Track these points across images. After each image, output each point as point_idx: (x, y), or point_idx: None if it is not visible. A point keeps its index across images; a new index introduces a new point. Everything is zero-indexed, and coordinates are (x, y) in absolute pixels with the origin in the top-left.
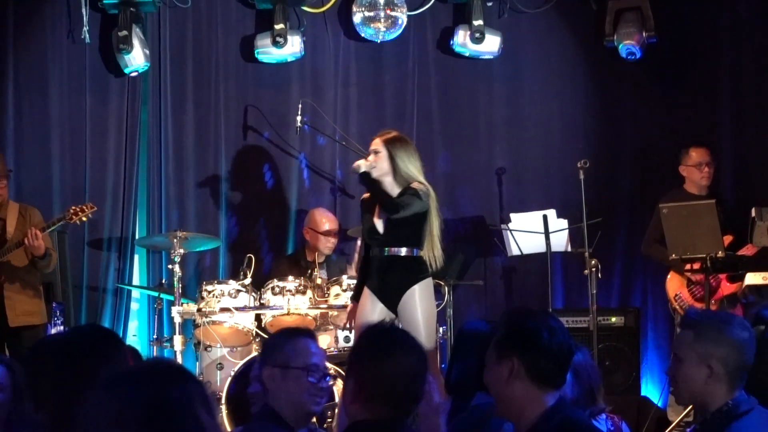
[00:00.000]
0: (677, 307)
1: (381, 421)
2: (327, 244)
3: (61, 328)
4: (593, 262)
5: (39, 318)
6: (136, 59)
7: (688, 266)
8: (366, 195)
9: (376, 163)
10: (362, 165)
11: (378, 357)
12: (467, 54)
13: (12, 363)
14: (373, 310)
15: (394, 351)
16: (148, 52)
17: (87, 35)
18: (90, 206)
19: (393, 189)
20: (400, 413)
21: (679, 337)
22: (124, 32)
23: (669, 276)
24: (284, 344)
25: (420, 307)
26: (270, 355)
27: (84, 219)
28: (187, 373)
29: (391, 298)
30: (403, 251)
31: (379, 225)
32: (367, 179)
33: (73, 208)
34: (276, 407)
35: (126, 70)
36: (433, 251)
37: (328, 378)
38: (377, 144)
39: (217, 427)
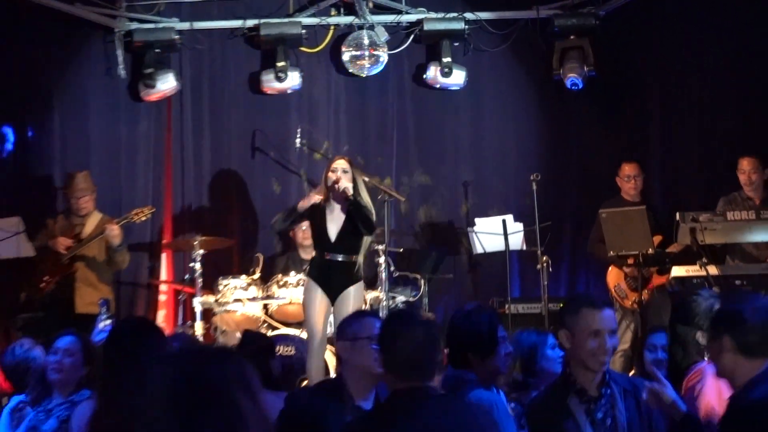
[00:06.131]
0: (616, 296)
1: (410, 388)
2: (303, 238)
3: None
4: (544, 258)
5: None
6: (162, 91)
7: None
8: (317, 201)
9: (349, 182)
10: (349, 189)
11: (390, 334)
12: (438, 86)
13: (80, 332)
14: (317, 296)
15: (402, 328)
16: (172, 84)
17: (123, 72)
18: (150, 207)
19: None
20: (424, 379)
21: None
22: (150, 69)
23: (609, 270)
24: (352, 322)
25: (354, 306)
26: (342, 331)
27: (144, 218)
28: (229, 355)
29: (331, 294)
30: (340, 257)
31: (332, 233)
32: (356, 204)
33: (136, 210)
34: (347, 377)
35: (153, 91)
36: (363, 259)
37: None
38: (345, 165)
39: (256, 411)
